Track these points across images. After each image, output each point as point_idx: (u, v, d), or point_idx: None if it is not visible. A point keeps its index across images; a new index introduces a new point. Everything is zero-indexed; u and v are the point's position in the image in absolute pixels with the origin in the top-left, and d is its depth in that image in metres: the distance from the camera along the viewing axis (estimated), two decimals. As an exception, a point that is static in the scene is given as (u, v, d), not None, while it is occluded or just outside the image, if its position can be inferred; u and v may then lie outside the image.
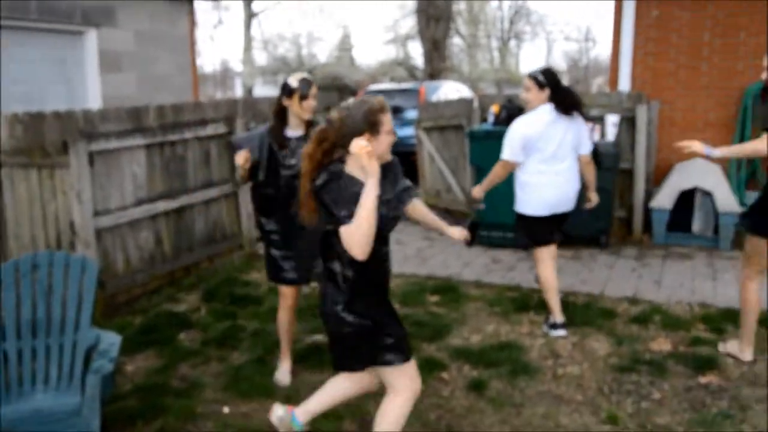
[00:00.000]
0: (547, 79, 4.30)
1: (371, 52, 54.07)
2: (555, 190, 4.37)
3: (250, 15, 28.93)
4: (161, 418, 3.40)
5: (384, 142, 2.55)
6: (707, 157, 3.89)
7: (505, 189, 6.39)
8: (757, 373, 3.83)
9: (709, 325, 4.52)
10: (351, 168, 2.55)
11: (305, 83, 3.62)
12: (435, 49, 24.45)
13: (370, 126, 2.50)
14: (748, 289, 3.94)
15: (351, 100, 2.59)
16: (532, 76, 4.36)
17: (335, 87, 28.80)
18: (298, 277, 3.79)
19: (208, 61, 45.22)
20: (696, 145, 3.82)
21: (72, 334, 3.20)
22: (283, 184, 3.64)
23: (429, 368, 3.94)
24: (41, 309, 3.21)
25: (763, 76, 3.87)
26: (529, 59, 58.00)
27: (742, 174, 7.01)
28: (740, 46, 6.97)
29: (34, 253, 3.45)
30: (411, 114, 10.91)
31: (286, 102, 3.64)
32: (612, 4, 7.56)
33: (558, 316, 4.45)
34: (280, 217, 3.70)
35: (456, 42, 34.52)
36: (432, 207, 8.31)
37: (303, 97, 3.60)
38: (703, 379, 3.78)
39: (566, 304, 4.94)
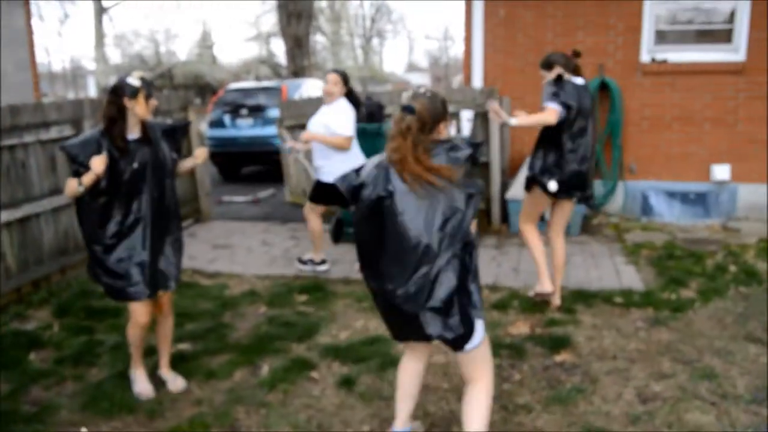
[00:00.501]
0: (346, 78, 5.53)
1: (233, 49, 52.82)
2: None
3: (100, 9, 27.27)
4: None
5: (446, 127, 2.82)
6: (508, 125, 4.85)
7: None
8: (605, 348, 4.14)
9: (563, 307, 4.82)
10: None
11: (148, 82, 3.47)
12: (297, 46, 24.31)
13: (445, 111, 2.77)
14: (532, 234, 4.86)
15: (421, 90, 2.76)
16: (341, 73, 5.51)
17: (197, 85, 27.89)
18: (150, 289, 3.52)
19: (57, 59, 42.27)
20: (502, 114, 4.63)
21: None
22: (125, 191, 3.42)
23: (298, 368, 3.92)
24: None
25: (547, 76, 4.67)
26: (392, 57, 59.27)
27: (586, 164, 7.54)
28: (578, 45, 7.47)
29: None
30: (273, 112, 10.78)
31: (128, 102, 3.40)
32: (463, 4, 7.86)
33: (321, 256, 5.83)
34: (123, 226, 3.45)
35: (319, 39, 34.56)
36: (298, 206, 8.30)
37: (149, 97, 3.44)
38: (558, 358, 4.03)
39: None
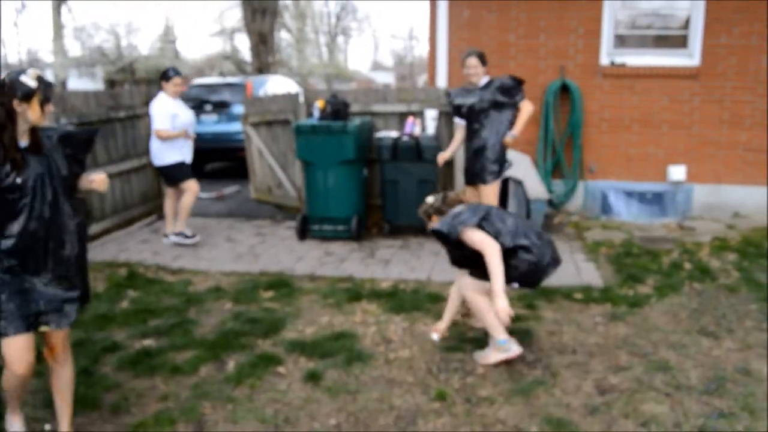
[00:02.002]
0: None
1: (197, 44, 52.11)
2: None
3: (59, 0, 26.66)
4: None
5: None
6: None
7: (334, 184, 6.55)
8: (565, 343, 4.26)
9: (524, 302, 4.93)
10: None
11: (47, 83, 2.91)
12: (262, 42, 24.15)
13: None
14: None
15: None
16: (178, 71, 6.50)
17: (159, 80, 27.43)
18: (26, 325, 2.86)
19: (12, 51, 41.16)
20: (508, 139, 5.56)
21: None
22: (7, 209, 2.81)
23: (264, 363, 3.94)
24: None
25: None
26: (358, 55, 59.24)
27: (548, 164, 7.70)
28: (541, 47, 7.65)
29: None
30: (238, 109, 10.72)
31: (18, 106, 2.81)
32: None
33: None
34: (16, 250, 2.83)
35: (284, 36, 34.36)
36: (264, 203, 8.29)
37: (46, 101, 2.89)
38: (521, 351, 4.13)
39: (396, 292, 5.16)
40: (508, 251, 3.81)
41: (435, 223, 3.97)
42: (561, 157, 7.69)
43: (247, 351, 4.15)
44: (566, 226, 7.23)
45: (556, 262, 3.99)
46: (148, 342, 4.31)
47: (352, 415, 3.44)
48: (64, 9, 26.96)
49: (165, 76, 6.51)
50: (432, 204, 4.15)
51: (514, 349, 3.94)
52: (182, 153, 6.59)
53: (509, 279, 3.82)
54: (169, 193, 6.77)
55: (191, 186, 6.60)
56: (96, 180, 3.22)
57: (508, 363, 3.97)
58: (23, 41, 50.97)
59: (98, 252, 6.38)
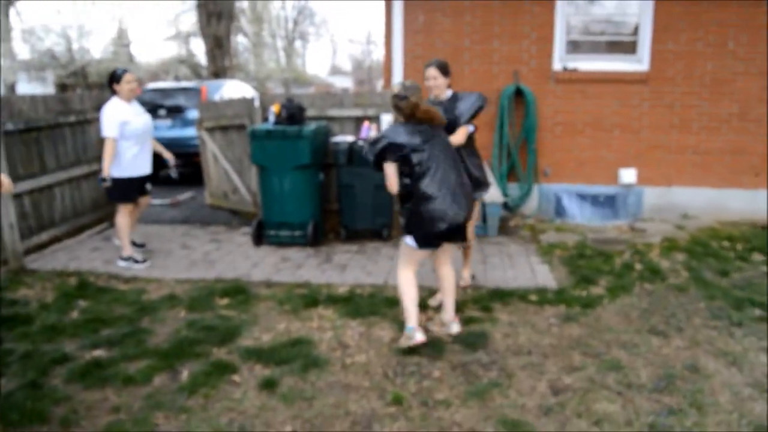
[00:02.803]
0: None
1: (151, 48, 51.25)
2: None
3: (7, 2, 25.93)
4: None
5: None
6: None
7: (290, 189, 6.50)
8: (520, 344, 4.30)
9: (480, 305, 4.97)
10: None
11: None
12: (218, 46, 23.88)
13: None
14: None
15: (407, 83, 4.32)
16: (126, 69, 6.03)
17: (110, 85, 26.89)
18: None
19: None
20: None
21: None
22: None
23: (219, 372, 3.89)
24: None
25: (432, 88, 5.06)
26: (316, 60, 59.06)
27: (503, 167, 7.80)
28: (495, 53, 7.74)
29: None
30: (193, 114, 10.58)
31: None
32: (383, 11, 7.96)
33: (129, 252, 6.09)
34: None
35: (241, 41, 34.06)
36: (219, 209, 8.19)
37: None
38: (475, 355, 4.16)
39: (352, 297, 5.15)
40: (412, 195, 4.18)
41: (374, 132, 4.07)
42: (516, 160, 7.79)
43: (202, 359, 4.09)
44: (522, 229, 7.33)
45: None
46: (99, 353, 4.21)
47: (308, 421, 3.41)
48: (12, 11, 26.24)
49: (114, 77, 5.89)
50: (397, 94, 4.27)
51: (418, 337, 4.12)
52: (134, 166, 5.99)
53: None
54: (120, 209, 6.13)
55: (124, 208, 6.07)
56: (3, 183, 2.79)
57: (464, 366, 4.00)
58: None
59: (47, 261, 6.21)
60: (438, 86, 4.99)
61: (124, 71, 5.94)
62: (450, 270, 4.50)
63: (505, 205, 7.65)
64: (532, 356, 4.13)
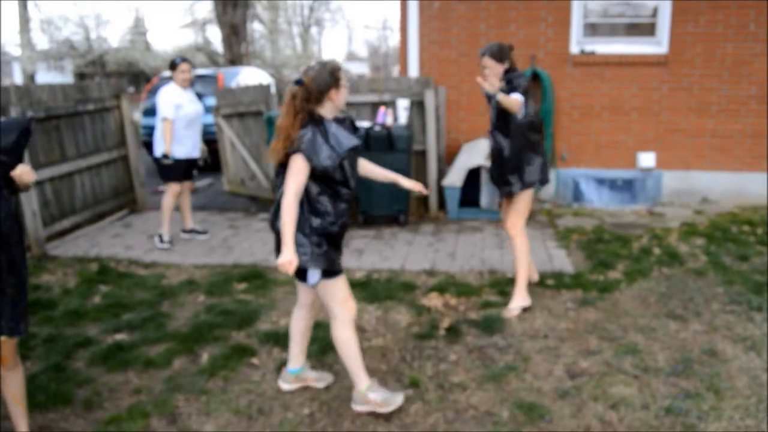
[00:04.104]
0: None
1: (168, 36, 51.45)
2: None
3: (25, -7, 26.11)
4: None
5: (344, 93, 3.21)
6: (491, 96, 4.50)
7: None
8: (536, 328, 4.31)
9: (497, 290, 4.98)
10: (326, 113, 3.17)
11: None
12: (234, 34, 23.91)
13: (335, 81, 3.12)
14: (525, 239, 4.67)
15: (313, 63, 3.17)
16: (185, 58, 6.33)
17: (130, 73, 27.12)
18: None
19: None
20: (486, 84, 4.34)
21: None
22: None
23: (238, 355, 3.94)
24: None
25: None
26: (332, 46, 58.96)
27: (520, 152, 7.75)
28: (511, 37, 7.68)
29: None
30: (209, 101, 10.63)
31: None
32: (399, -4, 7.93)
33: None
34: None
35: (257, 27, 34.05)
36: (237, 195, 8.25)
37: None
38: (492, 338, 4.18)
39: (370, 281, 5.18)
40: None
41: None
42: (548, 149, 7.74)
43: (221, 343, 4.15)
44: (538, 214, 7.31)
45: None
46: (121, 336, 4.29)
47: (326, 404, 3.45)
48: (30, 2, 26.44)
49: (172, 65, 6.27)
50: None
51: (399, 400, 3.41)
52: (185, 149, 6.25)
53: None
54: (168, 189, 6.36)
55: (172, 187, 6.31)
56: (21, 173, 2.78)
57: (480, 349, 4.02)
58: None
59: (69, 247, 6.31)
60: (495, 74, 4.47)
61: (182, 60, 6.25)
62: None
63: (522, 190, 7.62)
64: (549, 340, 4.13)
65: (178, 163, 6.24)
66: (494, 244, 6.16)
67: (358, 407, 3.38)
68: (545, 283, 5.07)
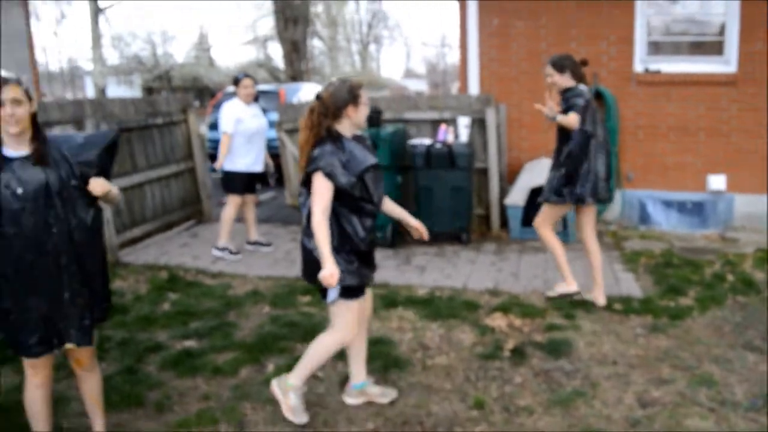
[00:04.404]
0: None
1: (231, 52, 52.84)
2: None
3: (96, 10, 27.25)
4: (23, 438, 3.16)
5: (363, 111, 3.21)
6: (552, 119, 4.74)
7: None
8: (605, 353, 4.20)
9: (562, 312, 4.88)
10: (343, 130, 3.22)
11: None
12: (295, 50, 24.39)
13: (353, 98, 3.16)
14: (550, 236, 5.00)
15: (334, 80, 3.22)
16: (247, 74, 6.56)
17: (195, 88, 27.92)
18: (46, 345, 2.81)
19: (53, 59, 42.18)
20: (545, 110, 4.72)
21: None
22: (13, 222, 2.65)
23: (303, 368, 3.96)
24: None
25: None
26: (390, 63, 59.48)
27: (584, 172, 7.61)
28: (573, 54, 7.57)
29: None
30: (271, 116, 10.82)
31: None
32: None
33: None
34: (13, 264, 2.69)
35: (317, 44, 34.65)
36: (297, 208, 8.33)
37: None
38: (558, 362, 4.09)
39: (432, 299, 5.16)
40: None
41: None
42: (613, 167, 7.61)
43: (286, 354, 4.19)
44: (604, 236, 7.15)
45: None
46: (190, 343, 4.38)
47: (390, 420, 3.44)
48: (101, 18, 27.55)
49: (235, 80, 6.45)
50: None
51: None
52: (246, 162, 6.33)
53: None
54: (228, 200, 6.44)
55: (233, 199, 6.39)
56: (94, 186, 2.81)
57: (546, 373, 3.95)
58: (64, 50, 52.15)
59: (139, 255, 6.50)
60: (555, 83, 4.76)
61: (245, 76, 6.43)
62: None
63: (586, 211, 7.48)
64: (618, 366, 4.02)
65: (240, 176, 6.34)
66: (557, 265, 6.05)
67: (275, 391, 3.45)
68: (613, 308, 4.95)
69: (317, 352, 3.40)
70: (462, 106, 7.25)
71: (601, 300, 4.97)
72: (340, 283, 3.13)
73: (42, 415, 2.93)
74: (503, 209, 7.22)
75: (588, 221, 5.01)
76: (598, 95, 7.53)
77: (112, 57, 31.02)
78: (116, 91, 29.19)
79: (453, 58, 45.84)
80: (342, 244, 3.20)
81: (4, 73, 2.67)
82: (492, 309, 4.95)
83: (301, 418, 3.39)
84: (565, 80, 4.76)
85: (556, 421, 3.41)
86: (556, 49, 7.57)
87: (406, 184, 7.12)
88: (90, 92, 30.35)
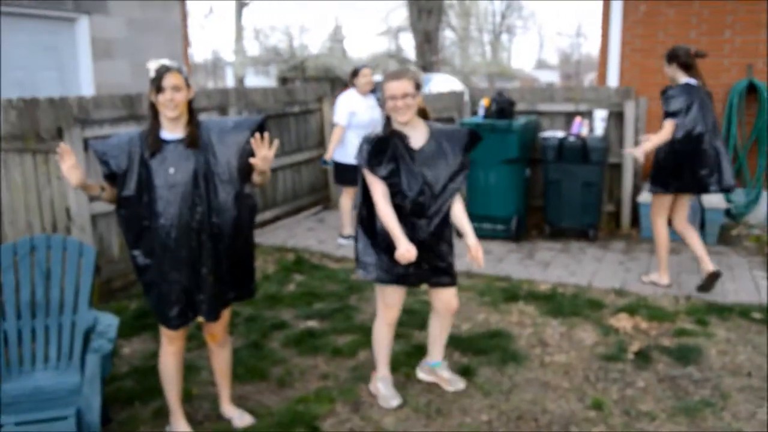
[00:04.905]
0: None
1: (363, 43, 53.97)
2: None
3: (241, 4, 28.80)
4: (158, 399, 3.45)
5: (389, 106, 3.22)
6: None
7: (496, 183, 6.52)
8: (738, 364, 3.94)
9: (694, 317, 4.62)
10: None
11: (160, 71, 2.85)
12: (427, 41, 24.50)
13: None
14: (659, 226, 5.14)
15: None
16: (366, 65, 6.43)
17: (327, 78, 28.83)
18: (184, 318, 3.02)
19: (199, 51, 45.08)
20: (636, 152, 5.00)
21: (70, 315, 3.26)
22: (163, 199, 2.87)
23: (420, 354, 4.02)
24: (40, 290, 3.26)
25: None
26: (521, 53, 58.24)
27: (728, 170, 7.12)
28: (726, 44, 7.08)
29: (31, 236, 3.49)
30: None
31: (152, 96, 2.88)
32: (600, 1, 7.64)
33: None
34: (161, 240, 2.91)
35: (448, 35, 34.57)
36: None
37: (158, 90, 2.84)
38: (686, 369, 3.88)
39: (554, 295, 5.05)
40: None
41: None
42: (743, 164, 7.08)
43: (403, 340, 4.27)
44: (745, 240, 6.66)
45: None
46: (312, 323, 4.58)
47: (504, 414, 3.43)
48: (245, 12, 29.06)
49: (354, 71, 6.41)
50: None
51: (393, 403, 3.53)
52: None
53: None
54: (343, 192, 6.57)
55: (347, 191, 6.45)
56: (260, 158, 2.94)
57: (672, 379, 3.76)
58: (208, 42, 55.54)
59: (269, 237, 6.85)
60: (665, 75, 5.08)
61: (363, 67, 6.44)
62: None
63: (728, 212, 7.00)
64: (753, 379, 3.75)
65: (351, 168, 6.22)
66: (693, 268, 5.71)
67: (371, 386, 3.66)
68: (751, 316, 4.61)
69: (374, 339, 3.62)
70: (600, 98, 7.00)
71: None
72: (365, 273, 3.39)
73: (174, 380, 3.17)
74: (635, 206, 6.91)
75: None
76: (751, 89, 7.00)
77: (252, 49, 32.67)
78: (254, 80, 30.69)
79: (588, 48, 44.13)
80: (376, 235, 3.35)
81: (167, 62, 2.90)
82: (617, 309, 4.77)
83: (389, 402, 3.50)
84: (672, 72, 5.03)
85: (680, 430, 3.25)
86: (707, 38, 7.13)
87: (534, 177, 6.99)
88: (230, 82, 32.12)
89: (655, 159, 5.04)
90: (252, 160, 2.92)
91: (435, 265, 3.41)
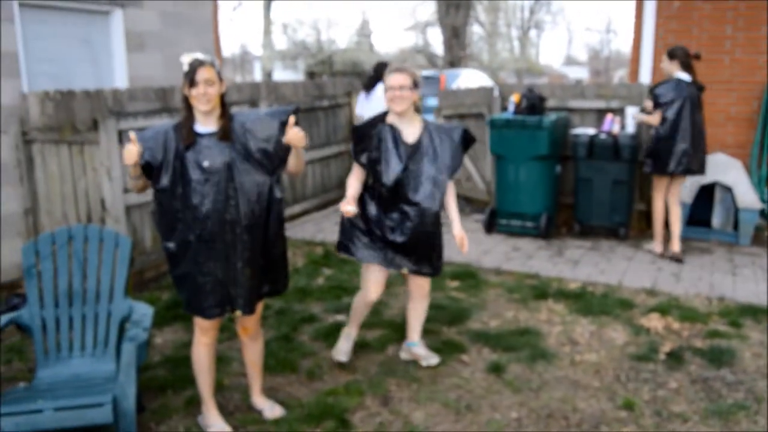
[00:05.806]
0: None
1: (391, 38, 53.92)
2: None
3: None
4: (190, 388, 3.50)
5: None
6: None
7: (526, 179, 6.48)
8: (773, 367, 3.88)
9: (727, 319, 4.55)
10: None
11: (193, 65, 2.87)
12: (455, 36, 24.40)
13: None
14: (656, 200, 5.95)
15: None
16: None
17: (355, 73, 28.85)
18: (220, 309, 3.05)
19: (227, 44, 45.37)
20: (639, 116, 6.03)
21: (107, 304, 3.32)
22: (197, 192, 2.91)
23: (449, 350, 4.03)
24: (77, 279, 3.32)
25: None
26: (549, 49, 57.69)
27: (763, 170, 6.99)
28: (762, 40, 6.94)
29: (69, 226, 3.55)
30: (431, 101, 10.96)
31: (185, 90, 2.91)
32: (634, -4, 7.53)
33: None
34: (196, 232, 2.94)
35: (476, 30, 34.39)
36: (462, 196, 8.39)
37: (191, 84, 2.87)
38: (719, 371, 3.83)
39: (584, 294, 5.01)
40: None
41: None
42: (780, 163, 6.96)
43: (432, 336, 4.27)
44: (778, 240, 6.54)
45: None
46: (341, 317, 4.59)
47: (534, 411, 3.41)
48: (273, 6, 29.21)
49: (381, 67, 6.47)
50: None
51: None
52: None
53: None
54: None
55: None
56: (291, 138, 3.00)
57: (705, 381, 3.71)
58: (236, 36, 55.93)
59: (298, 230, 6.89)
60: (662, 69, 5.85)
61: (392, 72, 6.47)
62: None
63: (762, 213, 6.87)
64: (789, 383, 3.69)
65: None
66: (726, 269, 5.63)
67: (403, 354, 3.99)
68: (787, 319, 4.53)
69: (353, 306, 3.91)
70: (632, 95, 6.90)
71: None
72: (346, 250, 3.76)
73: (207, 371, 3.21)
74: (666, 205, 6.80)
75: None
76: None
77: (280, 43, 32.82)
78: (281, 75, 30.85)
79: (618, 44, 43.57)
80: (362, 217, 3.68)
81: (200, 56, 2.94)
82: (648, 309, 4.71)
83: (339, 357, 3.84)
84: (669, 67, 5.74)
85: (714, 432, 3.21)
86: (743, 34, 6.99)
87: (564, 174, 6.93)
88: (258, 76, 32.32)
89: (648, 146, 5.92)
90: (285, 138, 2.98)
91: (420, 253, 3.67)
